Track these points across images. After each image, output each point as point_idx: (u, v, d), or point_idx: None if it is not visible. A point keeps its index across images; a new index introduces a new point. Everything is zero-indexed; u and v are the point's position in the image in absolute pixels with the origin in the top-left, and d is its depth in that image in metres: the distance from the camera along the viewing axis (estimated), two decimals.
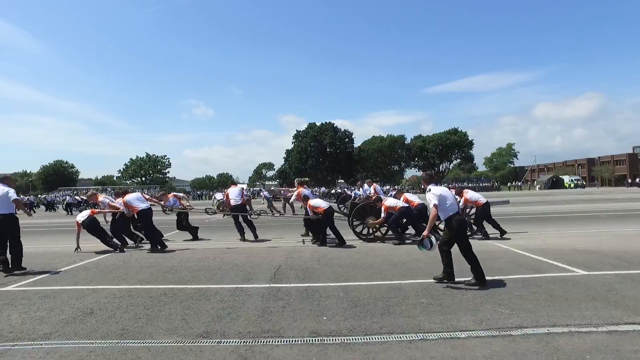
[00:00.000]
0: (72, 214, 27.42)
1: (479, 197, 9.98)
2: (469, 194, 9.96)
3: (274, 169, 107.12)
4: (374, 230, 9.90)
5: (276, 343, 3.46)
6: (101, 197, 10.20)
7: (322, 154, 72.06)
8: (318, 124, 75.58)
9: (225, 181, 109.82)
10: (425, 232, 5.38)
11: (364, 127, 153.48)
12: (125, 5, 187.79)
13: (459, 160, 78.79)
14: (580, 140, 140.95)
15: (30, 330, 3.96)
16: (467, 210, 10.01)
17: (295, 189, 11.15)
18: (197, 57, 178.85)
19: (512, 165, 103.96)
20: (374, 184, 13.17)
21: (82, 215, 9.13)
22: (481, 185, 68.59)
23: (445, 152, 75.45)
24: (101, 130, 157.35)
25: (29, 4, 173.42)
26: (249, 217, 10.30)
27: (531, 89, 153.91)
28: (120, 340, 3.59)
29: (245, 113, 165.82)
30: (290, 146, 75.90)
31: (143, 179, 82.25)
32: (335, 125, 74.79)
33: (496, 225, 9.76)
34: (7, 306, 4.79)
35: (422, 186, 5.92)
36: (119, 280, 6.02)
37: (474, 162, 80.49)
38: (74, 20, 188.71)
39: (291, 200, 9.09)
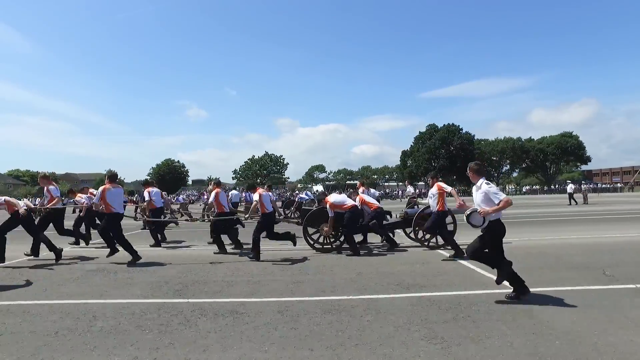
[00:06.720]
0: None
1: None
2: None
3: (326, 172, 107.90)
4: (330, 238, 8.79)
5: None
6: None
7: (448, 156, 75.23)
8: (439, 125, 78.72)
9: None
10: (481, 209, 4.68)
11: (358, 131, 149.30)
12: (117, 4, 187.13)
13: (574, 163, 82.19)
14: None
15: None
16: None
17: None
18: (190, 56, 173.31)
19: (580, 169, 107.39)
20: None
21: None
22: (599, 186, 71.97)
23: (560, 155, 79.00)
24: (91, 131, 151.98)
25: (17, 2, 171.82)
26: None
27: (527, 94, 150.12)
28: None
29: (239, 115, 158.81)
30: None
31: (261, 179, 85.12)
32: (460, 127, 77.93)
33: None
34: None
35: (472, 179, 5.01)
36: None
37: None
38: (63, 19, 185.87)
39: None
